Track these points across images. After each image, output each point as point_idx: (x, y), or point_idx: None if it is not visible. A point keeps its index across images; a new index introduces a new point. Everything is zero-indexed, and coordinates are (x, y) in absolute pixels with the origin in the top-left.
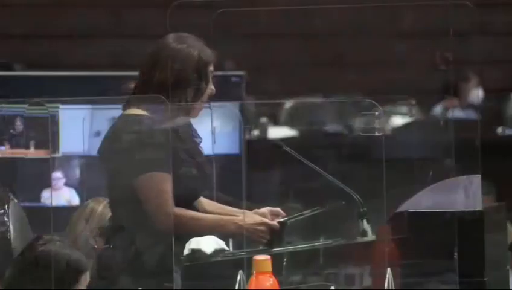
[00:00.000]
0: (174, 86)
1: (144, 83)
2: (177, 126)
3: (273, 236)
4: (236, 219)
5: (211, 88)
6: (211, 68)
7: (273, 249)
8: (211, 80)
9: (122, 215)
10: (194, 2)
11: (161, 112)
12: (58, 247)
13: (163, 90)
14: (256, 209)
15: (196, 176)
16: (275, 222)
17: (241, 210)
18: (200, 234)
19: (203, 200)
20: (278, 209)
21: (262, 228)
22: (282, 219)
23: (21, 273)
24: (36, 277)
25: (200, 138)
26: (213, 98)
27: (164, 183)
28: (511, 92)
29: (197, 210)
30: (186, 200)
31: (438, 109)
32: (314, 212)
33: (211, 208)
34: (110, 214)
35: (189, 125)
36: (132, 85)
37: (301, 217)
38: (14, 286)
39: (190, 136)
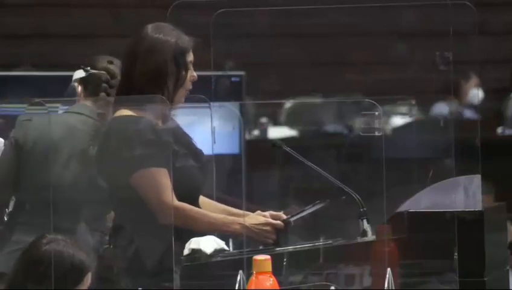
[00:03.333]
0: (156, 76)
1: (127, 78)
2: (168, 124)
3: (279, 236)
4: (241, 219)
5: (193, 74)
6: (190, 55)
7: (273, 249)
8: (191, 67)
9: (125, 216)
10: (194, 2)
11: (150, 111)
12: (62, 246)
13: (146, 82)
14: (259, 211)
15: (193, 167)
16: (279, 222)
17: (243, 211)
18: (204, 231)
19: (205, 201)
20: (280, 213)
21: (267, 228)
22: (285, 218)
23: (25, 271)
24: (40, 275)
25: (190, 137)
26: (213, 98)
27: (159, 177)
28: (511, 92)
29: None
30: (187, 193)
31: (440, 107)
32: (315, 207)
33: (213, 209)
34: (112, 214)
35: (178, 126)
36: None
37: (303, 213)
38: (18, 284)
39: (182, 132)
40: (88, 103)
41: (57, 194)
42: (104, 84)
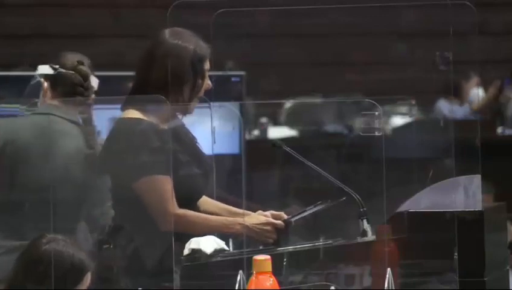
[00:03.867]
0: (172, 82)
1: (142, 82)
2: (173, 128)
3: (279, 235)
4: (241, 220)
5: (208, 83)
6: (207, 63)
7: (273, 249)
8: (207, 75)
9: (124, 217)
10: (194, 2)
11: (158, 113)
12: (62, 246)
13: (161, 87)
14: (260, 211)
15: (197, 175)
16: (280, 221)
17: (243, 211)
18: (205, 235)
19: (207, 200)
20: (281, 213)
21: (268, 227)
22: (286, 218)
23: (24, 271)
24: (40, 275)
25: (194, 137)
26: (213, 98)
27: (163, 186)
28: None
29: (199, 210)
30: (189, 200)
31: (441, 105)
32: (317, 208)
33: (214, 208)
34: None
35: (183, 125)
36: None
37: (305, 213)
38: (17, 284)
39: (187, 135)
40: (55, 102)
41: (33, 196)
42: (80, 88)
